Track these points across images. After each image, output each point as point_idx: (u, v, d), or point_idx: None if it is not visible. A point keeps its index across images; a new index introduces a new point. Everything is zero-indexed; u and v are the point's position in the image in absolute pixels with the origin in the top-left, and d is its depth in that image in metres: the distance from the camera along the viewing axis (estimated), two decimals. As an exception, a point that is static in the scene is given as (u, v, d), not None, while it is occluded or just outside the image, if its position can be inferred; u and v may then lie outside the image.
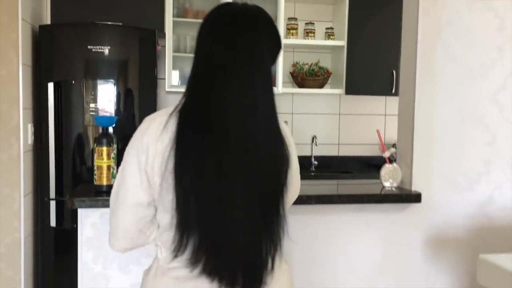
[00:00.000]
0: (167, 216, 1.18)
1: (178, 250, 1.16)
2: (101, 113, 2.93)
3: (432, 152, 2.05)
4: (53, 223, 2.91)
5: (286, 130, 1.28)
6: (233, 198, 1.13)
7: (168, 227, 1.19)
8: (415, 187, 2.03)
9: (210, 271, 1.15)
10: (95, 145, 1.82)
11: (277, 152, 1.19)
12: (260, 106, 1.16)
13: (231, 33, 1.17)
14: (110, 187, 1.82)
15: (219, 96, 1.14)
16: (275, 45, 1.25)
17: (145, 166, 1.18)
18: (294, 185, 1.34)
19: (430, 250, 2.06)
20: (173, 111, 1.18)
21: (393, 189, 2.04)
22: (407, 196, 1.98)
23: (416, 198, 1.98)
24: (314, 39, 3.74)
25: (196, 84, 1.18)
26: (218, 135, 1.13)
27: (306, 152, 3.86)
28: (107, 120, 1.85)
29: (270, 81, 1.21)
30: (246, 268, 1.15)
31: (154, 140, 1.16)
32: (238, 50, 1.15)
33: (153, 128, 1.18)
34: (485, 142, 2.08)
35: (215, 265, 1.14)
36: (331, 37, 3.76)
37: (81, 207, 1.75)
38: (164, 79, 3.48)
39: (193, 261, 1.15)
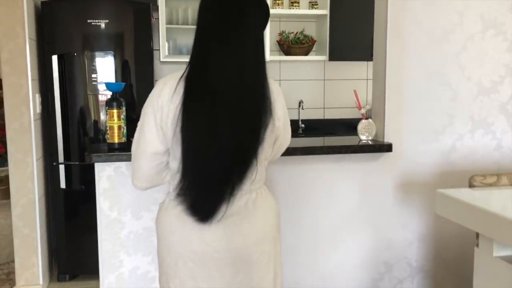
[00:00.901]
0: (176, 162, 1.47)
1: (178, 191, 1.46)
2: (99, 82, 3.16)
3: (402, 108, 2.33)
4: (62, 185, 3.18)
5: (274, 87, 1.50)
6: (217, 150, 1.39)
7: (177, 171, 1.47)
8: (387, 139, 2.31)
9: (190, 207, 1.45)
10: (107, 108, 2.07)
11: (259, 107, 1.41)
12: (248, 68, 1.41)
13: (224, 7, 1.43)
14: (121, 144, 2.09)
15: (214, 62, 1.40)
16: (264, 14, 1.50)
17: (160, 122, 1.45)
18: (282, 135, 1.57)
19: (401, 193, 2.36)
20: (181, 77, 1.44)
21: (369, 141, 2.33)
22: (380, 147, 2.27)
23: (388, 148, 2.27)
24: (299, 8, 3.96)
25: (197, 52, 1.44)
26: (209, 95, 1.39)
27: (294, 116, 4.13)
28: (116, 86, 2.10)
29: (258, 45, 1.45)
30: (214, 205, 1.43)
31: (167, 101, 1.43)
32: (229, 21, 1.41)
33: (166, 91, 1.44)
34: (448, 98, 2.36)
35: (195, 204, 1.45)
36: (315, 6, 3.98)
37: (97, 161, 2.02)
38: (159, 50, 3.70)
39: (181, 200, 1.46)
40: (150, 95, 1.49)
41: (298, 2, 3.94)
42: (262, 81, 1.45)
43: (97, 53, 3.17)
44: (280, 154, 1.69)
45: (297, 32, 4.06)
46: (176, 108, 1.41)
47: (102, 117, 3.21)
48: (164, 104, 1.43)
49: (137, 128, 1.52)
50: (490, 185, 1.96)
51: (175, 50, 3.83)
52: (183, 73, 1.45)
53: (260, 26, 1.48)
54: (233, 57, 1.39)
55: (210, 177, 1.42)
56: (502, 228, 1.55)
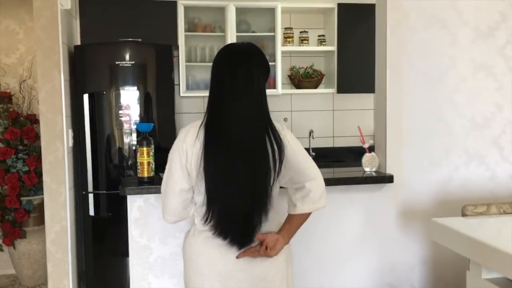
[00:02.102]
0: (201, 196, 1.73)
1: (206, 219, 1.72)
2: (125, 118, 3.45)
3: (402, 143, 2.56)
4: (91, 212, 3.44)
5: (279, 126, 1.74)
6: (235, 186, 1.66)
7: (202, 204, 1.73)
8: (389, 170, 2.54)
9: (220, 233, 1.71)
10: (138, 146, 2.34)
11: (264, 148, 1.67)
12: (252, 116, 1.68)
13: (232, 65, 1.72)
14: (150, 178, 2.35)
15: (225, 112, 1.68)
16: (265, 70, 1.78)
17: (186, 164, 1.73)
18: (303, 164, 1.76)
19: (402, 220, 2.58)
20: (200, 125, 1.73)
21: (372, 173, 2.56)
22: (382, 178, 2.50)
23: (389, 179, 2.50)
24: (308, 45, 4.25)
25: (212, 104, 1.74)
26: (225, 140, 1.67)
27: (304, 145, 4.35)
28: (146, 126, 2.37)
29: (262, 95, 1.72)
30: (242, 233, 1.70)
31: (191, 146, 1.72)
32: (237, 78, 1.69)
33: (189, 137, 1.73)
34: (444, 133, 2.59)
35: (223, 229, 1.70)
36: (323, 43, 4.26)
37: (130, 194, 2.28)
38: (178, 85, 4.00)
39: (212, 228, 1.72)
40: (175, 143, 1.76)
41: (308, 40, 4.23)
42: (267, 124, 1.70)
43: (123, 91, 3.45)
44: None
45: (306, 67, 4.33)
46: (199, 151, 1.69)
47: (127, 148, 3.49)
48: (188, 148, 1.71)
49: (165, 171, 1.79)
50: (481, 214, 2.18)
51: (194, 85, 4.12)
52: (202, 122, 1.73)
53: (263, 78, 1.75)
54: (241, 107, 1.67)
55: (230, 208, 1.68)
56: (488, 255, 1.77)
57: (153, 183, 2.33)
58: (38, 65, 3.13)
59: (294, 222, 1.80)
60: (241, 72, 1.69)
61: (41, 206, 3.56)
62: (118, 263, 3.43)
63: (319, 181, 1.79)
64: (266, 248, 1.73)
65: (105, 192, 3.47)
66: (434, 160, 2.60)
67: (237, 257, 1.74)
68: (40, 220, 3.75)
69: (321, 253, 2.52)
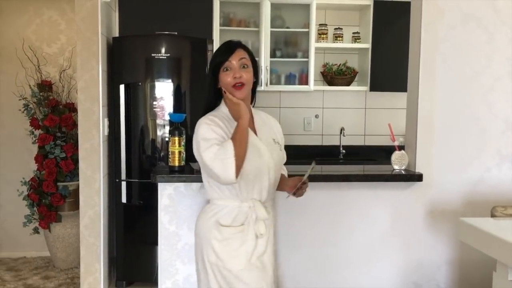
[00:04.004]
0: None
1: None
2: (159, 109, 3.53)
3: (433, 141, 2.54)
4: (123, 199, 3.55)
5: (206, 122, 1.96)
6: None
7: None
8: (418, 169, 2.53)
9: None
10: (170, 135, 2.41)
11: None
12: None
13: None
14: (180, 167, 2.41)
15: None
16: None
17: None
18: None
19: (430, 219, 2.56)
20: None
21: (401, 171, 2.55)
22: (411, 176, 2.49)
23: (418, 177, 2.48)
24: (342, 42, 4.24)
25: None
26: None
27: (335, 142, 4.37)
28: (178, 116, 2.44)
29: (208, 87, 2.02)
30: None
31: None
32: None
33: None
34: (477, 133, 2.56)
35: None
36: (358, 40, 4.24)
37: (161, 181, 2.35)
38: (212, 79, 4.05)
39: None
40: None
41: (342, 36, 4.22)
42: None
43: (158, 83, 3.53)
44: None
45: (340, 64, 4.32)
46: None
47: (160, 140, 3.57)
48: None
49: None
50: (511, 215, 2.14)
51: (227, 79, 4.17)
52: None
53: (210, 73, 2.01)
54: None
55: None
56: (515, 255, 1.75)
57: (184, 172, 2.39)
58: (78, 56, 3.25)
59: None
60: None
61: (76, 192, 3.70)
62: (147, 250, 3.52)
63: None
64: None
65: (137, 180, 3.56)
66: (465, 160, 2.56)
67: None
68: (75, 206, 3.89)
69: (348, 248, 2.53)
